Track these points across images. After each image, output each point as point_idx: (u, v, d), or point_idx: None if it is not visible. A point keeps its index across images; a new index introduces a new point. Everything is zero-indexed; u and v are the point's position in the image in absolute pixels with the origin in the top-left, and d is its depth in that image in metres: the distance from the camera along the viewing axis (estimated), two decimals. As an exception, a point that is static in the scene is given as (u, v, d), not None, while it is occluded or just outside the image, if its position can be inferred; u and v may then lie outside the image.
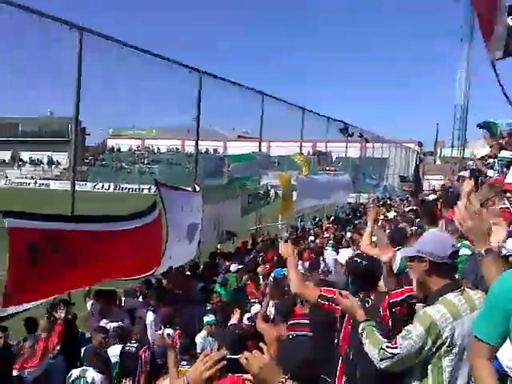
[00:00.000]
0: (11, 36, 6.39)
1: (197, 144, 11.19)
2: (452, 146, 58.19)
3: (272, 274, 7.33)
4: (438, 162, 58.14)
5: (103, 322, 6.34)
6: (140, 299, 7.76)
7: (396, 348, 2.53)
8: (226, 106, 13.17)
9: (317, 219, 17.81)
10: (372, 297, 3.37)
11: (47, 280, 5.41)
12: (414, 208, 11.41)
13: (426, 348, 2.48)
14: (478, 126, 10.65)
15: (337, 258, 7.56)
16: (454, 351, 2.49)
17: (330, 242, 11.18)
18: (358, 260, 3.54)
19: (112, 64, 8.14)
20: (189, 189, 9.72)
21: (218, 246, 11.43)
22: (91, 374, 4.92)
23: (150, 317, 6.59)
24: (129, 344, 5.71)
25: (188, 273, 9.16)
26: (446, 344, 2.47)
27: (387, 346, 2.56)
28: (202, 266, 9.82)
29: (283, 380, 1.83)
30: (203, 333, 6.00)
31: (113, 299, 7.02)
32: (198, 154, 11.82)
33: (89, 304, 6.84)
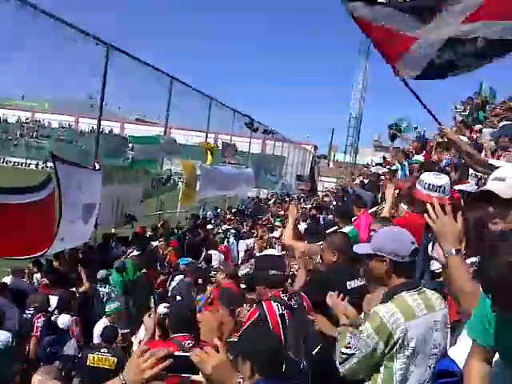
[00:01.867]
0: None
1: (99, 122, 10.55)
2: (345, 152, 61.97)
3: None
4: (332, 165, 61.36)
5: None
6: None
7: (350, 349, 2.42)
8: (129, 86, 12.51)
9: (218, 210, 17.78)
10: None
11: None
12: (315, 205, 11.82)
13: (378, 348, 2.36)
14: (389, 126, 11.50)
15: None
16: (406, 353, 2.37)
17: (232, 231, 11.22)
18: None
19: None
20: (88, 167, 9.09)
21: (113, 230, 10.89)
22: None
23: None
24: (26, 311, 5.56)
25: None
26: (398, 345, 2.35)
27: (345, 348, 2.44)
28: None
29: (240, 381, 1.65)
30: (103, 321, 5.64)
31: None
32: (99, 132, 11.14)
33: None
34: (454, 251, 2.10)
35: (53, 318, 5.77)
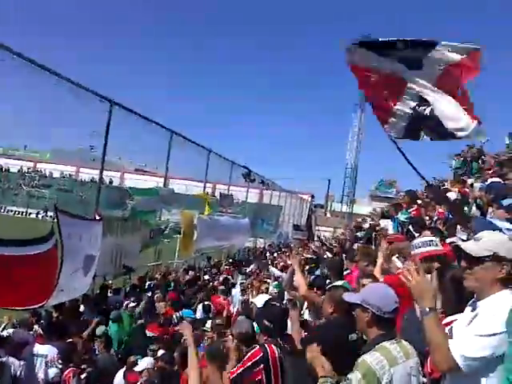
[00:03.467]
0: None
1: (101, 173, 10.88)
2: (341, 202, 62.45)
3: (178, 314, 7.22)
4: (328, 215, 61.61)
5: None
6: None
7: None
8: (129, 138, 12.95)
9: (211, 260, 17.85)
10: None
11: None
12: (312, 257, 11.92)
13: None
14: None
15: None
16: None
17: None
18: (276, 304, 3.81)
19: (12, 80, 7.79)
20: (89, 217, 9.31)
21: (110, 281, 10.98)
22: None
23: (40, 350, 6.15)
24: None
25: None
26: None
27: None
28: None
29: None
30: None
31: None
32: (102, 183, 11.46)
33: None
34: (427, 309, 2.31)
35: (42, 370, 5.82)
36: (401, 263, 5.06)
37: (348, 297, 3.11)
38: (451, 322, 2.69)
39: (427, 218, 8.25)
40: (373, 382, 2.53)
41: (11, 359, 5.74)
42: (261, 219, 24.98)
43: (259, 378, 3.60)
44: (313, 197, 61.71)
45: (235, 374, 3.58)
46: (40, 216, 43.46)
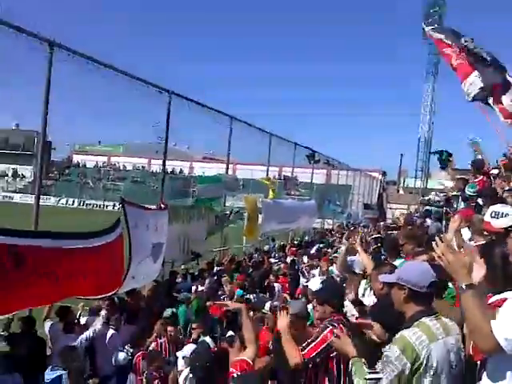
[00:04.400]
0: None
1: (164, 164, 11.21)
2: (415, 177, 60.16)
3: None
4: (401, 191, 59.64)
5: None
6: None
7: (378, 373, 2.59)
8: (193, 126, 13.27)
9: (276, 242, 17.93)
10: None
11: (6, 296, 5.27)
12: (378, 236, 11.63)
13: (406, 370, 2.53)
14: (432, 153, 11.34)
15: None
16: (431, 372, 2.55)
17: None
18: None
19: (83, 79, 8.14)
20: (154, 207, 9.67)
21: (182, 267, 11.41)
22: None
23: (109, 334, 6.54)
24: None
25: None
26: (424, 365, 2.53)
27: (370, 373, 2.63)
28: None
29: None
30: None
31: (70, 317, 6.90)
32: (165, 173, 11.85)
33: (47, 326, 6.63)
34: (463, 286, 2.21)
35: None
36: (470, 234, 4.85)
37: (383, 277, 3.12)
38: (500, 300, 2.51)
39: (500, 189, 7.75)
40: (411, 357, 2.52)
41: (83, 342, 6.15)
42: (328, 200, 24.69)
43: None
44: (384, 174, 59.98)
45: (310, 357, 3.55)
46: (116, 208, 45.80)
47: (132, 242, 7.96)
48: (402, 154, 63.16)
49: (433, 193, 22.22)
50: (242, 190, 16.23)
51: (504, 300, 2.49)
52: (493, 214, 4.00)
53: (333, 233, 20.75)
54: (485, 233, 4.30)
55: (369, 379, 2.63)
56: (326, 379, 3.71)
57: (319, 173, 26.63)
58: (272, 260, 13.08)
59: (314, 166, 21.64)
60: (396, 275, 2.86)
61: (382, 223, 18.46)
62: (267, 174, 17.44)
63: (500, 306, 2.37)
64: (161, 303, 8.28)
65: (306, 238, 20.29)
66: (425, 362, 2.53)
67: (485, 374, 2.34)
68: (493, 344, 2.09)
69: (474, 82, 6.06)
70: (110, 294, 7.53)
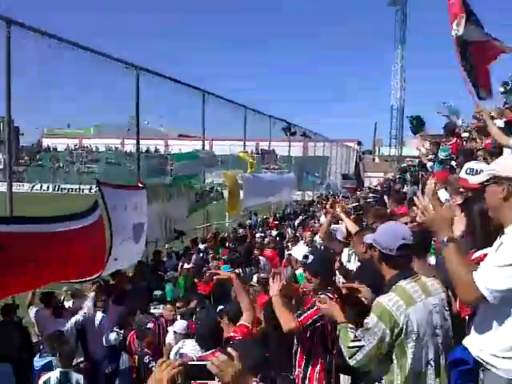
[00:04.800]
0: None
1: (138, 142, 10.90)
2: (390, 145, 60.70)
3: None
4: (377, 160, 60.21)
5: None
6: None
7: (359, 341, 2.58)
8: (166, 104, 12.94)
9: (258, 216, 17.91)
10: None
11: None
12: (357, 204, 11.69)
13: (385, 336, 2.51)
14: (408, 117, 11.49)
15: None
16: (413, 337, 2.53)
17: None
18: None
19: (45, 59, 7.76)
20: (131, 186, 9.43)
21: (166, 246, 11.28)
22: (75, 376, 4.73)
23: (99, 319, 6.40)
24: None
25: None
26: (404, 330, 2.51)
27: (352, 341, 2.61)
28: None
29: None
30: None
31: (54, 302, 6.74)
32: (140, 152, 11.53)
33: (32, 312, 6.46)
34: (445, 240, 2.19)
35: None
36: (447, 195, 4.85)
37: (366, 238, 3.07)
38: (482, 255, 2.53)
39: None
40: (389, 323, 2.50)
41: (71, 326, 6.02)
42: (307, 172, 24.69)
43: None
44: (360, 143, 60.39)
45: (305, 323, 3.51)
46: (93, 191, 45.00)
47: (112, 224, 7.76)
48: (375, 123, 63.64)
49: (407, 159, 22.48)
50: (220, 165, 16.03)
51: (485, 255, 2.49)
52: (468, 171, 3.98)
53: (314, 204, 20.82)
54: (462, 190, 4.32)
55: (351, 347, 2.61)
56: (321, 348, 3.68)
57: (296, 145, 26.53)
58: (257, 234, 13.03)
59: (290, 138, 21.51)
60: (373, 236, 2.85)
61: (359, 192, 18.55)
62: (244, 148, 17.26)
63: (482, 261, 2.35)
64: (147, 283, 8.17)
65: (288, 210, 20.31)
66: (404, 327, 2.50)
67: (472, 327, 2.32)
68: (475, 294, 2.07)
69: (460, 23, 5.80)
70: (93, 277, 7.36)
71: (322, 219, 11.27)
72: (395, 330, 2.50)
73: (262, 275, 6.84)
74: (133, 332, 6.13)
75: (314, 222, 13.57)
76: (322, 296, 3.35)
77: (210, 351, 3.34)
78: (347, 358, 2.64)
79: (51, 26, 7.12)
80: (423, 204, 2.35)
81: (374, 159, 61.13)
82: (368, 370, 2.72)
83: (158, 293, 7.54)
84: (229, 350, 1.85)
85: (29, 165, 60.65)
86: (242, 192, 13.82)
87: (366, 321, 2.60)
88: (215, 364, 1.67)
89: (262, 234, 13.34)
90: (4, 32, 6.39)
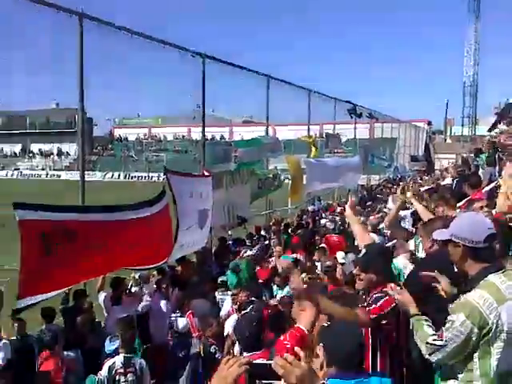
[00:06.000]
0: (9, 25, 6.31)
1: (203, 130, 11.09)
2: (462, 125, 57.64)
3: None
4: (449, 140, 57.47)
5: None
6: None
7: (441, 340, 2.45)
8: (231, 91, 13.10)
9: (323, 202, 17.70)
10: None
11: (62, 270, 5.39)
12: (430, 187, 11.20)
13: (472, 336, 2.37)
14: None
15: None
16: (501, 337, 2.36)
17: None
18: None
19: (113, 51, 8.04)
20: (197, 174, 9.64)
21: (230, 232, 11.46)
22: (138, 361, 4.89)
23: (162, 304, 6.63)
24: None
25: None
26: (493, 330, 2.35)
27: (433, 339, 2.49)
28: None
29: None
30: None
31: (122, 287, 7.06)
32: (205, 140, 11.74)
33: (101, 297, 6.81)
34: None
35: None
36: None
37: (437, 234, 2.87)
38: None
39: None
40: (479, 323, 2.33)
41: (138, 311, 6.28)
42: (373, 155, 23.99)
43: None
44: (430, 123, 57.79)
45: (376, 315, 3.17)
46: (161, 178, 46.43)
47: (178, 210, 7.99)
48: (447, 101, 60.54)
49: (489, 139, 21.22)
50: (284, 151, 15.95)
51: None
52: None
53: (379, 188, 20.24)
54: None
55: (430, 344, 2.48)
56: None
57: (362, 127, 25.86)
58: (322, 220, 12.90)
59: (356, 120, 20.98)
60: (449, 231, 2.62)
61: (432, 174, 17.78)
62: (308, 133, 17.07)
63: None
64: (211, 269, 8.36)
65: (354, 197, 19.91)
66: (494, 327, 2.34)
67: None
68: None
69: None
70: (160, 263, 7.63)
71: (390, 204, 10.93)
72: (484, 329, 2.36)
73: (327, 263, 6.68)
74: (190, 312, 6.30)
75: (384, 207, 13.21)
76: (394, 286, 3.10)
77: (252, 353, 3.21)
78: (426, 355, 2.53)
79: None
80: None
81: (445, 139, 58.35)
82: (444, 365, 2.58)
83: (223, 278, 7.68)
84: (296, 349, 1.78)
85: (101, 154, 63.73)
86: (305, 177, 13.70)
87: (450, 318, 2.45)
88: (280, 364, 1.63)
89: (327, 220, 13.19)
90: (75, 28, 6.70)
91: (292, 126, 36.20)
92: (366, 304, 3.26)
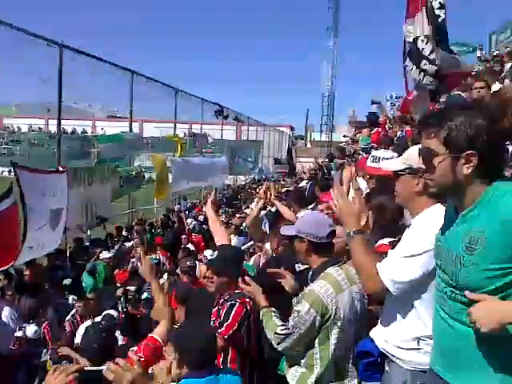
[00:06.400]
0: None
1: (59, 123, 10.28)
2: (321, 131, 62.05)
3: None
4: (309, 145, 61.36)
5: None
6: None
7: (288, 329, 2.60)
8: (93, 84, 12.47)
9: (188, 201, 17.65)
10: None
11: None
12: (290, 189, 11.76)
13: (316, 323, 2.56)
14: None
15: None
16: (338, 323, 2.59)
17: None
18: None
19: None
20: (51, 170, 8.88)
21: (88, 232, 10.78)
22: None
23: (5, 312, 5.96)
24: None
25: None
26: (332, 317, 2.57)
27: (281, 329, 2.62)
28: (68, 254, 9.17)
29: None
30: None
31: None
32: (61, 134, 10.88)
33: None
34: (351, 233, 2.17)
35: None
36: (365, 183, 4.89)
37: (284, 230, 3.07)
38: (384, 245, 2.70)
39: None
40: (321, 310, 2.55)
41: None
42: (239, 156, 24.59)
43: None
44: (292, 128, 61.11)
45: (228, 334, 3.03)
46: (13, 174, 42.37)
47: (27, 209, 7.27)
48: (307, 109, 64.61)
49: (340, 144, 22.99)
50: (150, 149, 15.54)
51: (390, 243, 2.64)
52: (372, 159, 4.06)
53: (245, 188, 20.80)
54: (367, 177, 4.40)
55: (278, 333, 2.62)
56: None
57: (229, 129, 26.36)
58: (188, 220, 12.79)
59: (223, 121, 21.31)
60: (295, 227, 2.84)
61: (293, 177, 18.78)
62: (175, 132, 16.88)
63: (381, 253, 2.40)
64: (64, 273, 7.77)
65: (220, 195, 20.18)
66: (333, 314, 2.56)
67: (379, 319, 2.34)
68: (379, 286, 2.07)
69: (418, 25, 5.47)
70: (7, 266, 6.88)
71: (253, 205, 11.22)
72: (325, 316, 2.56)
73: (187, 263, 6.61)
74: (46, 323, 5.88)
75: (246, 207, 13.55)
76: (246, 278, 3.00)
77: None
78: (274, 344, 2.66)
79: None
80: (336, 192, 2.31)
81: (306, 144, 62.19)
82: (291, 354, 2.74)
83: (67, 282, 7.20)
84: (129, 354, 1.74)
85: None
86: (170, 176, 13.50)
87: (296, 308, 2.61)
88: (112, 370, 1.59)
89: (193, 220, 13.14)
90: None
91: (160, 124, 35.53)
92: (216, 319, 3.11)
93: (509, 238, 1.50)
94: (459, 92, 6.94)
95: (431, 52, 5.21)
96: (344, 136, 15.85)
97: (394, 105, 19.47)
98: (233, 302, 3.13)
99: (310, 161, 43.04)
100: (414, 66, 5.39)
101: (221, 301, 3.23)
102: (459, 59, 5.57)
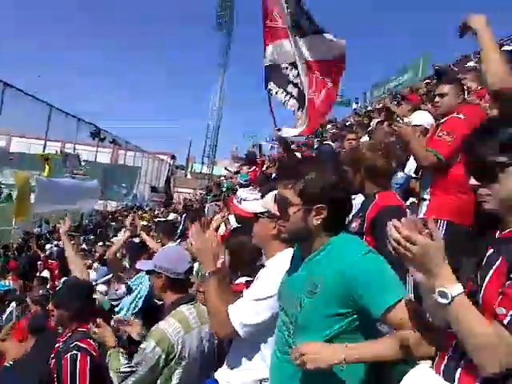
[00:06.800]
0: None
1: None
2: (202, 163, 62.43)
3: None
4: (189, 176, 61.39)
5: None
6: None
7: (132, 366, 2.52)
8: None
9: (50, 225, 16.53)
10: None
11: None
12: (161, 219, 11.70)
13: (160, 362, 2.50)
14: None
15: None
16: (182, 363, 2.55)
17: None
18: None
19: None
20: None
21: None
22: None
23: None
24: None
25: None
26: (177, 356, 2.53)
27: (125, 367, 2.55)
28: None
29: None
30: None
31: None
32: None
33: None
34: (207, 274, 2.17)
35: None
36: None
37: (140, 265, 3.02)
38: (240, 284, 2.71)
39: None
40: (167, 349, 2.50)
41: None
42: (113, 180, 23.78)
43: None
44: (174, 157, 60.69)
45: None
46: None
47: None
48: (190, 141, 64.87)
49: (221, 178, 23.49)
50: (16, 165, 14.44)
51: (237, 285, 2.68)
52: (236, 198, 4.16)
53: (115, 215, 20.11)
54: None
55: (121, 372, 2.54)
56: None
57: (105, 152, 25.50)
58: (47, 245, 11.96)
59: (98, 144, 20.61)
60: (153, 262, 2.77)
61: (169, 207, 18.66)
62: (44, 149, 15.95)
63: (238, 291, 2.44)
64: None
65: (86, 220, 19.22)
66: (178, 353, 2.53)
67: (225, 361, 2.35)
68: (229, 330, 2.09)
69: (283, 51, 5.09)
70: None
71: (120, 235, 10.85)
72: (170, 355, 2.51)
73: (40, 291, 6.21)
74: None
75: (114, 236, 13.06)
76: (98, 320, 2.89)
77: None
78: (117, 383, 2.55)
79: None
80: (194, 231, 2.26)
81: (186, 175, 62.14)
82: None
83: None
84: None
85: None
86: (33, 196, 12.61)
87: (142, 346, 2.54)
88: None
89: (53, 245, 12.33)
90: None
91: (31, 140, 33.18)
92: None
93: (340, 286, 1.66)
94: (329, 142, 7.64)
95: (295, 77, 5.22)
96: (225, 168, 16.25)
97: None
98: (74, 353, 2.87)
99: (188, 191, 43.07)
100: (280, 89, 5.27)
101: (60, 345, 3.00)
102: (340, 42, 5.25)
